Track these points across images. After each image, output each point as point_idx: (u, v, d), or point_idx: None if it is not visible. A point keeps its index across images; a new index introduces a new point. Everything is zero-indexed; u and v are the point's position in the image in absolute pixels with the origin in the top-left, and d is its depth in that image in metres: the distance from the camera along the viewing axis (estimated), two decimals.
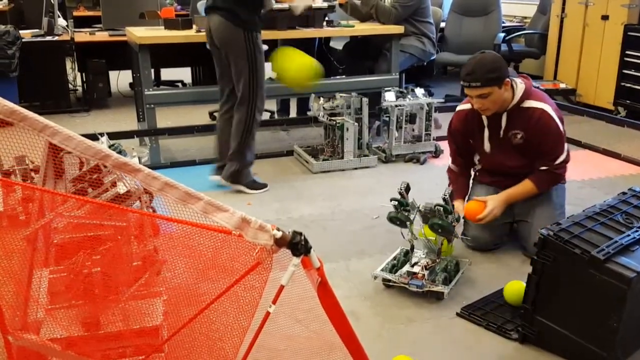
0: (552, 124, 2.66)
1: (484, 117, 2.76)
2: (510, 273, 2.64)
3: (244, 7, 3.31)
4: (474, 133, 2.84)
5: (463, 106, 2.87)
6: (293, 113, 5.26)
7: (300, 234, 1.01)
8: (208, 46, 3.56)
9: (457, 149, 2.96)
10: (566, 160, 2.72)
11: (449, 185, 2.96)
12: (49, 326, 1.70)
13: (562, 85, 5.65)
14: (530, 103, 2.68)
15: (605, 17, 5.32)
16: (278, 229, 1.00)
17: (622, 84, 5.21)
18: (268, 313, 1.03)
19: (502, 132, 2.75)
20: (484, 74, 2.55)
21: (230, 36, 3.32)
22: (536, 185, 2.73)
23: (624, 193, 2.30)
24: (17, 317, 1.68)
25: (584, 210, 2.17)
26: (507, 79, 2.62)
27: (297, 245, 1.00)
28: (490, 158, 2.86)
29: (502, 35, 5.56)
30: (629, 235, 2.00)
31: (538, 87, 2.89)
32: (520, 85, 2.69)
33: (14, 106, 0.86)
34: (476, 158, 2.96)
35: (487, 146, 2.83)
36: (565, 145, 2.73)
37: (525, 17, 6.76)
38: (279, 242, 0.99)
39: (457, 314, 2.33)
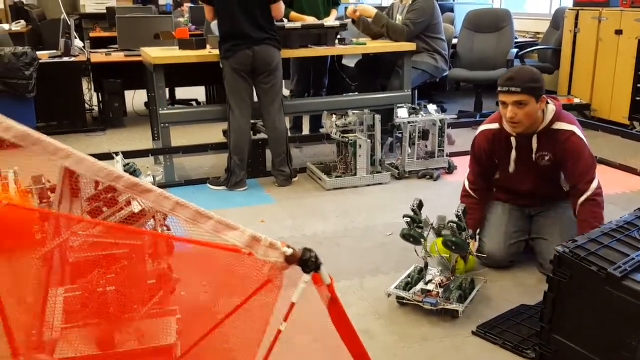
0: (585, 148, 2.60)
1: (512, 140, 2.70)
2: (527, 291, 2.61)
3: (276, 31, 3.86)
4: (500, 154, 2.78)
5: (489, 126, 2.78)
6: (306, 130, 5.28)
7: (311, 250, 1.01)
8: (234, 77, 3.79)
9: (481, 170, 2.87)
10: (600, 186, 2.61)
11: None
12: (63, 345, 1.70)
13: (577, 101, 5.62)
14: (560, 125, 2.62)
15: (619, 32, 5.30)
16: (288, 247, 1.00)
17: (638, 98, 5.17)
18: (280, 331, 1.02)
19: (534, 156, 2.69)
20: (526, 82, 2.50)
21: (278, 59, 3.86)
22: (589, 222, 2.51)
23: None
24: (33, 337, 1.69)
25: (600, 227, 2.14)
26: (544, 97, 2.57)
27: (308, 262, 0.99)
28: (511, 179, 2.80)
29: (515, 51, 5.56)
30: None
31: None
32: (550, 106, 2.63)
33: (27, 130, 0.88)
34: (495, 177, 2.91)
35: (512, 168, 2.76)
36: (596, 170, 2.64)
37: (538, 33, 6.76)
38: (290, 260, 0.99)
39: (473, 333, 2.30)
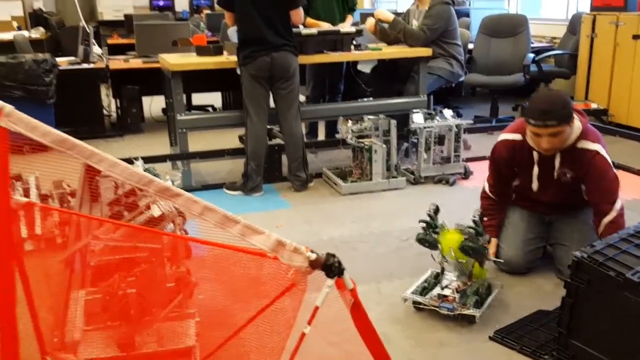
0: (609, 168, 2.55)
1: (534, 154, 2.65)
2: (544, 296, 2.60)
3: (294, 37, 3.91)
4: (521, 165, 2.73)
5: (510, 136, 2.72)
6: (321, 135, 5.31)
7: (334, 255, 1.03)
8: (251, 83, 3.83)
9: (500, 177, 2.84)
10: (622, 207, 2.57)
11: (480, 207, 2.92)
12: (85, 347, 1.73)
13: (594, 106, 5.58)
14: (585, 144, 2.56)
15: (636, 37, 5.27)
16: (312, 251, 1.02)
17: None
18: (303, 334, 1.04)
19: (555, 173, 2.65)
20: (560, 111, 2.42)
21: (295, 65, 3.89)
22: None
23: None
24: (56, 338, 1.73)
25: (618, 232, 2.13)
26: (574, 117, 2.52)
27: (331, 267, 1.01)
28: (532, 190, 2.77)
29: (531, 56, 5.54)
30: None
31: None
32: (577, 122, 2.56)
33: (64, 135, 0.91)
34: (514, 183, 2.87)
35: (535, 185, 2.73)
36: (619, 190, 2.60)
37: (555, 38, 6.73)
38: (314, 264, 1.01)
39: (490, 338, 2.30)
